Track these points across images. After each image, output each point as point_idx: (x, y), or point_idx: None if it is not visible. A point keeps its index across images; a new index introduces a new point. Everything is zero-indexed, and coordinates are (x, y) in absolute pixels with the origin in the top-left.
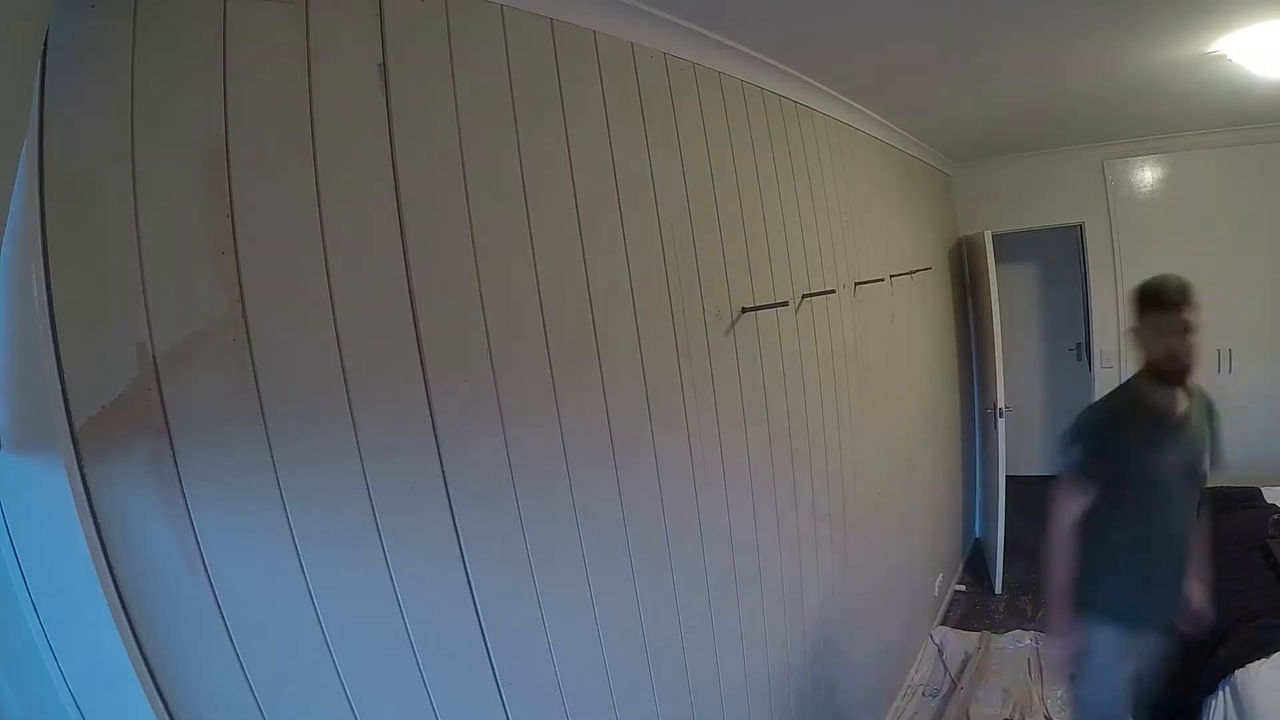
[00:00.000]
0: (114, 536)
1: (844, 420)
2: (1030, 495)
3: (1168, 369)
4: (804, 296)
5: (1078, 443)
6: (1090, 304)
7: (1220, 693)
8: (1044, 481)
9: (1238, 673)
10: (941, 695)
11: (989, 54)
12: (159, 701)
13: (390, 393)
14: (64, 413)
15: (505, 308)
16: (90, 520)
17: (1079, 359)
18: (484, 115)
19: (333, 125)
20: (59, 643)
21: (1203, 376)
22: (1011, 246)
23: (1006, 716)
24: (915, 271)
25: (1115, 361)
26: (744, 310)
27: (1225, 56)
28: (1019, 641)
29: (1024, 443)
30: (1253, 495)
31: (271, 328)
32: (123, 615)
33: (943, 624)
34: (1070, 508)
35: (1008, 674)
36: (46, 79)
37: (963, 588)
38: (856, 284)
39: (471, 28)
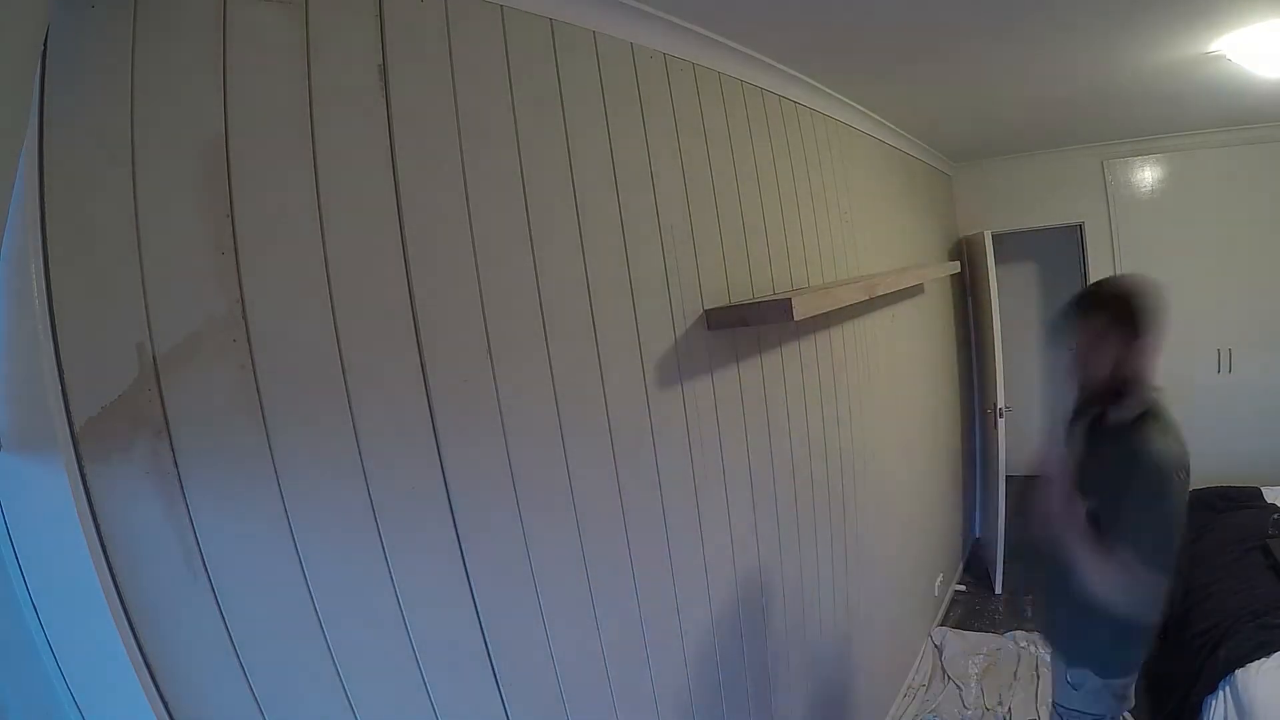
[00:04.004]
0: (114, 536)
1: (844, 420)
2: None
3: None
4: None
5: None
6: None
7: (1220, 693)
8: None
9: (1238, 672)
10: (941, 695)
11: (989, 54)
12: (159, 702)
13: (390, 393)
14: (64, 413)
15: (505, 308)
16: (90, 520)
17: None
18: (484, 115)
19: (333, 125)
20: (59, 643)
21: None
22: (1011, 246)
23: (1003, 716)
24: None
25: None
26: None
27: (1225, 56)
28: (1019, 642)
29: (1024, 443)
30: (1253, 495)
31: (271, 328)
32: (123, 615)
33: (943, 624)
34: None
35: (1006, 674)
36: (46, 79)
37: (963, 588)
38: None
39: (471, 28)
